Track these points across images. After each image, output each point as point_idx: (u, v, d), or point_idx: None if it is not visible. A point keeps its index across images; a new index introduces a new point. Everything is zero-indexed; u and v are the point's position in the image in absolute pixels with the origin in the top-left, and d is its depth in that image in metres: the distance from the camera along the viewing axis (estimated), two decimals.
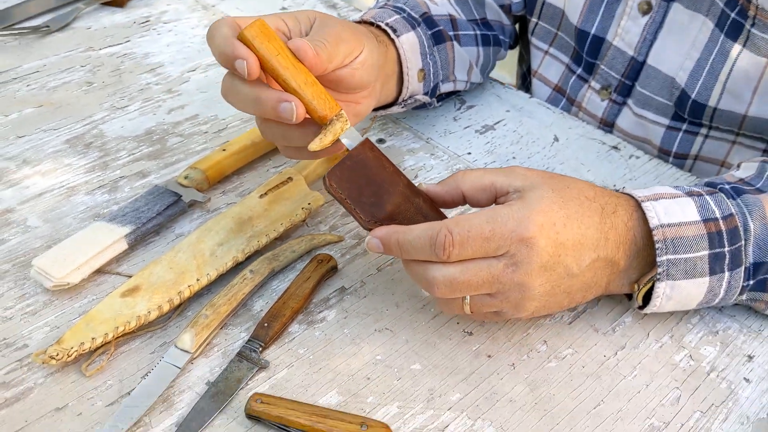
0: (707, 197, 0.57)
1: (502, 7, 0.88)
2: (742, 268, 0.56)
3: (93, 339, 0.55)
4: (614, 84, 0.81)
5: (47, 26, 0.97)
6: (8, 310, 0.60)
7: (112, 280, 0.63)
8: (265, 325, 0.58)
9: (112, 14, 1.03)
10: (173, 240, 0.67)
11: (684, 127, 0.78)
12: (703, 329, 0.60)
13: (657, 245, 0.55)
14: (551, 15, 0.86)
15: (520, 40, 0.96)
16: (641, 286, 0.57)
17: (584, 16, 0.81)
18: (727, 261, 0.56)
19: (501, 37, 0.88)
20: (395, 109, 0.75)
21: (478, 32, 0.84)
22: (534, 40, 0.89)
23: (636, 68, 0.79)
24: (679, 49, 0.74)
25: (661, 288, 0.56)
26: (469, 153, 0.79)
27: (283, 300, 0.59)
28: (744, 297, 0.58)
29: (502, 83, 0.91)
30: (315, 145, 0.55)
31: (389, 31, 0.70)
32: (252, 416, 0.52)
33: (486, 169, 0.58)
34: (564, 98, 0.88)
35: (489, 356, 0.58)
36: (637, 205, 0.57)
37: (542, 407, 0.54)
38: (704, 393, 0.56)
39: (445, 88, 0.81)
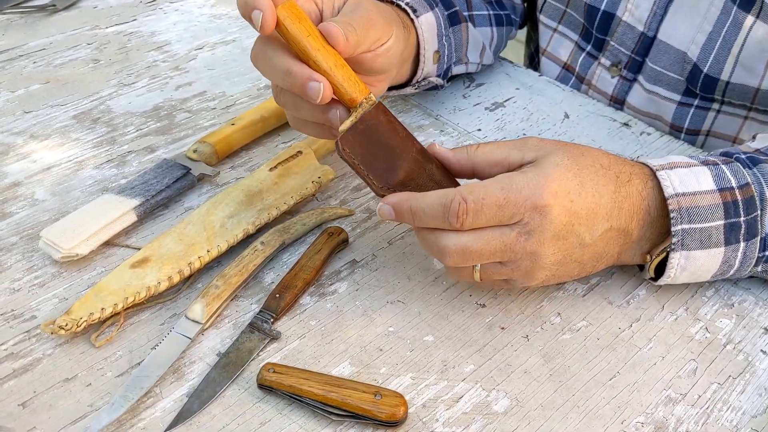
0: (723, 166, 0.56)
1: None
2: (758, 238, 0.55)
3: (102, 309, 0.54)
4: (624, 60, 0.80)
5: (53, 5, 0.97)
6: (16, 282, 0.59)
7: (121, 253, 0.62)
8: (277, 296, 0.57)
9: None
10: (182, 213, 0.66)
11: (696, 102, 0.77)
12: (718, 302, 0.60)
13: (672, 214, 0.54)
14: None
15: (528, 19, 0.95)
16: (654, 257, 0.56)
17: None
18: (743, 231, 0.55)
19: (513, 16, 0.87)
20: (407, 90, 0.74)
21: (492, 12, 0.83)
22: (542, 18, 0.88)
23: (646, 44, 0.78)
24: (691, 23, 0.73)
25: (676, 258, 0.55)
26: (479, 129, 0.78)
27: (294, 272, 0.59)
28: (759, 268, 0.58)
29: (510, 62, 0.90)
30: (345, 126, 0.55)
31: (408, 10, 0.69)
32: (264, 386, 0.51)
33: (499, 142, 0.57)
34: (573, 76, 0.87)
35: (502, 328, 0.57)
36: (652, 173, 0.56)
37: (557, 379, 0.54)
38: (721, 365, 0.55)
39: (457, 70, 0.80)
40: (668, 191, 0.54)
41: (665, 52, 0.76)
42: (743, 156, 0.58)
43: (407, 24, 0.68)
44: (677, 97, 0.78)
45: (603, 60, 0.83)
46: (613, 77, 0.82)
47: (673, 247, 0.55)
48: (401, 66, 0.68)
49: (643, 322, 0.58)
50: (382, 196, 0.54)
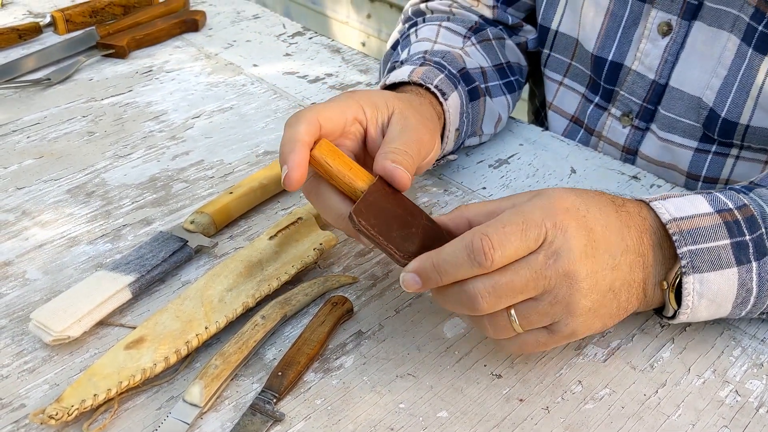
0: (717, 193, 0.55)
1: (518, 45, 0.87)
2: None
3: (95, 396, 0.51)
4: (635, 109, 0.79)
5: (48, 79, 0.96)
6: (5, 368, 0.56)
7: (115, 333, 0.59)
8: (279, 374, 0.54)
9: (114, 65, 1.02)
10: (179, 288, 0.63)
11: (713, 148, 0.75)
12: (746, 362, 0.56)
13: (674, 237, 0.52)
14: (564, 45, 0.84)
15: (531, 75, 0.94)
16: (671, 281, 0.53)
17: (601, 42, 0.79)
18: (751, 250, 0.52)
19: (519, 79, 0.86)
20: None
21: (501, 81, 0.83)
22: (547, 72, 0.87)
23: (658, 91, 0.76)
24: (704, 68, 0.72)
25: (690, 283, 0.52)
26: (484, 188, 0.76)
27: (297, 346, 0.56)
28: None
29: (513, 118, 0.88)
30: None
31: (438, 95, 0.68)
32: None
33: (485, 201, 0.56)
34: (582, 129, 0.85)
35: (521, 400, 0.54)
36: (644, 204, 0.55)
37: None
38: (755, 430, 0.51)
39: (470, 141, 0.79)
40: (665, 217, 0.53)
41: (679, 98, 0.75)
42: (737, 186, 0.57)
43: (438, 110, 0.68)
44: (694, 144, 0.76)
45: (613, 110, 0.81)
46: (624, 127, 0.81)
47: (684, 270, 0.52)
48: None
49: (670, 387, 0.55)
50: (405, 265, 0.52)
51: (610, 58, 0.78)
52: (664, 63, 0.75)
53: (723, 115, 0.71)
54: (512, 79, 0.84)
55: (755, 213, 0.53)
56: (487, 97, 0.78)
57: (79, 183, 0.77)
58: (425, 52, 0.74)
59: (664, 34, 0.74)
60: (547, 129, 0.88)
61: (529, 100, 1.01)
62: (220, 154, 0.81)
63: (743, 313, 0.56)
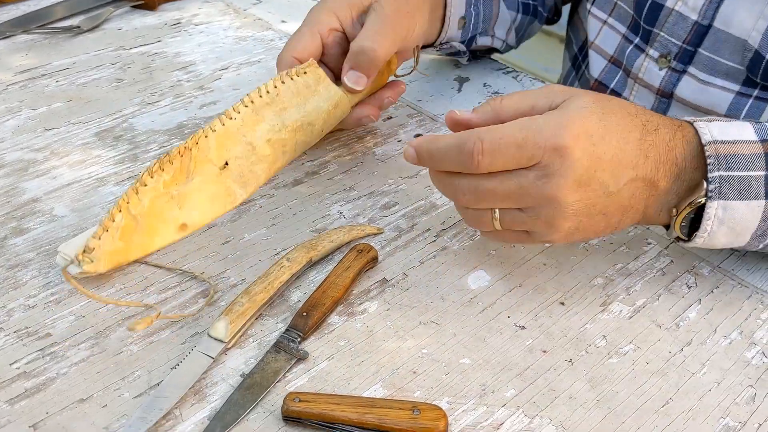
0: (766, 123, 0.54)
1: None
2: None
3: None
4: (674, 51, 0.77)
5: (78, 26, 0.96)
6: (31, 298, 0.57)
7: (141, 270, 0.59)
8: (304, 314, 0.54)
9: (143, 17, 1.01)
10: (206, 230, 0.63)
11: (755, 93, 0.73)
12: None
13: (709, 160, 0.51)
14: None
15: (570, 18, 0.93)
16: (680, 210, 0.53)
17: None
18: None
19: (540, 9, 0.88)
20: (429, 51, 0.76)
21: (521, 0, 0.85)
22: (594, 10, 0.86)
23: (700, 33, 0.74)
24: (751, 9, 0.70)
25: (713, 208, 0.51)
26: None
27: (322, 289, 0.56)
28: None
29: (542, 81, 0.87)
30: None
31: None
32: (290, 417, 0.47)
33: (523, 92, 0.54)
34: (621, 70, 0.84)
35: (544, 351, 0.54)
36: (685, 124, 0.53)
37: (605, 405, 0.50)
38: None
39: (483, 41, 0.81)
40: (706, 138, 0.52)
41: (724, 40, 0.73)
42: None
43: None
44: (736, 87, 0.74)
45: (651, 52, 0.79)
46: (660, 69, 0.79)
47: (710, 195, 0.51)
48: (432, 23, 0.71)
49: (695, 346, 0.54)
50: None
51: None
52: (708, 3, 0.73)
53: (767, 57, 0.69)
54: (531, 3, 0.87)
55: None
56: (502, 1, 0.81)
57: (107, 127, 0.77)
58: None
59: None
60: (586, 73, 0.87)
61: (566, 47, 0.99)
62: None
63: (761, 246, 0.55)
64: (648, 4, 0.77)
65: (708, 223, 0.52)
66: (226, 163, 0.57)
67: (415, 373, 0.51)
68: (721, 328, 0.56)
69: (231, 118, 0.58)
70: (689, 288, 0.59)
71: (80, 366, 0.51)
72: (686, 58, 0.77)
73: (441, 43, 0.75)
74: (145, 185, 0.54)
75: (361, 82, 0.64)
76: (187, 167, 0.56)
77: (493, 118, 0.53)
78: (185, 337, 0.54)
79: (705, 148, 0.51)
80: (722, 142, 0.51)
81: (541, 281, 0.59)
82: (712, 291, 0.59)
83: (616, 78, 0.85)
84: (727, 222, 0.52)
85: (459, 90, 0.85)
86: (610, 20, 0.85)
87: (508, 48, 0.87)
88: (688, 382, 0.52)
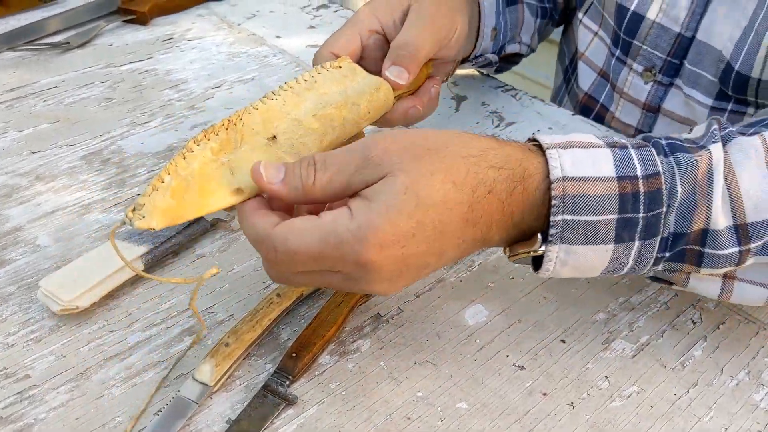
0: (632, 150, 0.47)
1: None
2: (658, 238, 0.47)
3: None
4: (659, 64, 0.74)
5: (67, 42, 0.94)
6: (11, 336, 0.54)
7: (124, 305, 0.57)
8: (293, 355, 0.52)
9: (135, 32, 0.99)
10: (193, 261, 0.61)
11: (729, 106, 0.71)
12: None
13: (554, 201, 0.45)
14: None
15: (564, 29, 0.92)
16: (514, 254, 0.48)
17: None
18: (639, 229, 0.46)
19: (553, 12, 0.87)
20: (465, 66, 0.76)
21: (538, 3, 0.84)
22: (585, 20, 0.84)
23: (684, 45, 0.72)
24: (730, 19, 0.67)
25: (554, 252, 0.46)
26: None
27: (312, 327, 0.53)
28: (660, 267, 0.49)
29: (542, 100, 0.85)
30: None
31: None
32: None
33: (340, 163, 0.46)
34: (608, 83, 0.82)
35: (544, 394, 0.51)
36: (530, 161, 0.47)
37: None
38: None
39: (511, 48, 0.81)
40: (555, 173, 0.45)
41: (706, 53, 0.70)
42: (663, 141, 0.48)
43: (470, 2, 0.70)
44: (709, 102, 0.72)
45: (635, 66, 0.77)
46: (646, 83, 0.77)
47: (551, 239, 0.46)
48: (469, 37, 0.71)
49: (701, 388, 0.52)
50: None
51: (632, 8, 0.74)
52: (691, 15, 0.70)
53: (736, 68, 0.66)
54: (547, 6, 0.86)
55: (663, 186, 0.46)
56: (525, 6, 0.80)
57: (95, 149, 0.75)
58: None
59: None
60: (575, 86, 0.85)
61: (558, 60, 0.97)
62: None
63: (616, 275, 0.50)
64: (628, 15, 0.75)
65: (549, 264, 0.47)
66: (274, 137, 0.53)
67: (409, 419, 0.49)
68: (728, 368, 0.53)
69: (272, 99, 0.54)
70: (694, 324, 0.57)
71: (59, 411, 0.49)
72: (671, 71, 0.74)
73: (476, 56, 0.74)
74: (192, 152, 0.50)
75: (403, 76, 0.60)
76: (233, 138, 0.52)
77: (302, 197, 0.46)
78: (170, 379, 0.52)
79: (552, 186, 0.45)
80: (572, 179, 0.45)
81: (541, 317, 0.57)
82: (718, 327, 0.57)
83: (605, 92, 0.83)
84: (571, 263, 0.47)
85: (456, 109, 0.83)
86: (601, 31, 0.83)
87: (531, 52, 0.86)
88: (694, 427, 0.49)
